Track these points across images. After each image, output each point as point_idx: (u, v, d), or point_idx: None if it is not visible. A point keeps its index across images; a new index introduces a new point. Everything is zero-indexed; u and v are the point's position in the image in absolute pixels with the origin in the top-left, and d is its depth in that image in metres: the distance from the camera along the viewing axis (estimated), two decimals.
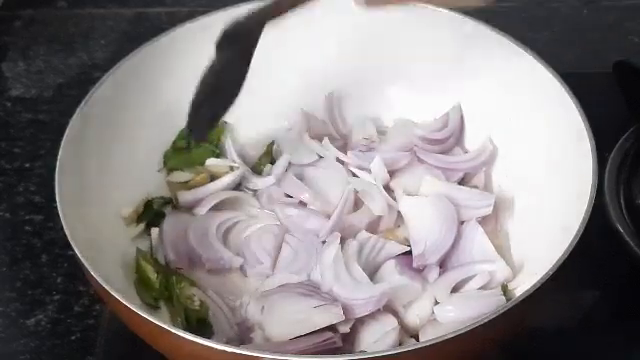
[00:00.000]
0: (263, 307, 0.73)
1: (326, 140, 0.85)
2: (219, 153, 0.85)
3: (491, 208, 0.79)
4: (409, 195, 0.80)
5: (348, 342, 0.72)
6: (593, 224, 0.69)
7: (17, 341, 0.78)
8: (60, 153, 0.74)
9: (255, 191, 0.83)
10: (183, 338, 0.63)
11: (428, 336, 0.71)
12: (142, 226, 0.80)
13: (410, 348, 0.64)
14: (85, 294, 0.81)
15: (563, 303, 0.77)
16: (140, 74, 0.82)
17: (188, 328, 0.72)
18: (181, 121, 0.82)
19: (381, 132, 0.87)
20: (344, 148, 0.85)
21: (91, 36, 1.06)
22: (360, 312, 0.71)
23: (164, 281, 0.75)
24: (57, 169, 0.73)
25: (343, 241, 0.76)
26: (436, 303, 0.74)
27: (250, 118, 0.87)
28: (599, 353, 0.76)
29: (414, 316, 0.73)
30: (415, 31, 0.85)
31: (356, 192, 0.80)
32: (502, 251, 0.77)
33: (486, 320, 0.63)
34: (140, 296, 0.75)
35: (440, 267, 0.76)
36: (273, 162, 0.85)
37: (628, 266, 0.78)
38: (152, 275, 0.76)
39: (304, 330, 0.70)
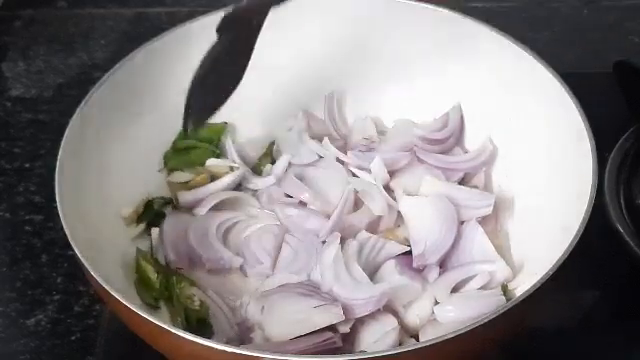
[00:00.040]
0: (263, 307, 0.73)
1: (326, 140, 0.85)
2: (219, 153, 0.85)
3: (491, 208, 0.79)
4: (409, 195, 0.80)
5: (348, 342, 0.72)
6: (593, 224, 0.69)
7: (17, 341, 0.78)
8: (60, 153, 0.74)
9: (255, 191, 0.83)
10: (183, 338, 0.63)
11: (428, 336, 0.71)
12: (142, 226, 0.80)
13: (410, 348, 0.64)
14: (85, 294, 0.81)
15: (563, 303, 0.77)
16: (140, 74, 0.82)
17: (188, 328, 0.72)
18: (181, 121, 0.82)
19: (381, 132, 0.87)
20: (344, 148, 0.85)
21: (91, 36, 1.06)
22: (360, 312, 0.71)
23: (164, 281, 0.76)
24: (57, 169, 0.73)
25: (343, 241, 0.76)
26: (436, 303, 0.74)
27: (250, 118, 0.87)
28: (599, 353, 0.75)
29: (414, 316, 0.73)
30: (415, 31, 0.85)
31: (356, 192, 0.80)
32: (502, 251, 0.77)
33: (486, 320, 0.63)
34: (140, 296, 0.75)
35: (440, 267, 0.76)
36: (273, 162, 0.85)
37: (628, 266, 0.78)
38: (152, 275, 0.76)
39: (304, 330, 0.70)
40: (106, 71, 0.81)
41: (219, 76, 0.71)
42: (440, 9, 0.84)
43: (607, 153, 0.81)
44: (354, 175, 0.83)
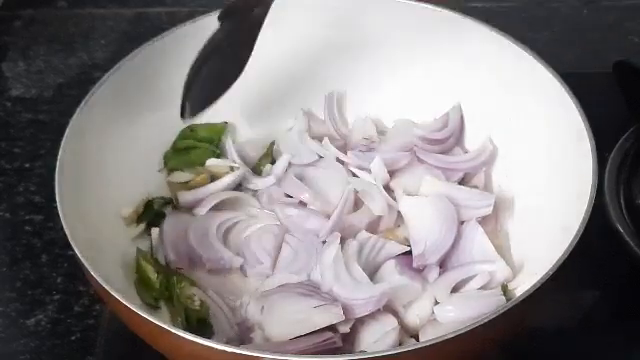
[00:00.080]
0: (263, 307, 0.73)
1: (326, 140, 0.85)
2: (219, 153, 0.85)
3: (491, 208, 0.79)
4: (409, 195, 0.80)
5: (348, 342, 0.72)
6: (593, 224, 0.69)
7: (17, 341, 0.78)
8: (60, 153, 0.74)
9: (255, 191, 0.83)
10: (183, 338, 0.63)
11: (428, 336, 0.71)
12: (142, 226, 0.80)
13: (410, 348, 0.64)
14: (85, 294, 0.81)
15: (563, 303, 0.77)
16: (140, 74, 0.82)
17: (188, 328, 0.72)
18: (181, 121, 0.82)
19: (381, 132, 0.87)
20: (344, 148, 0.85)
21: (91, 36, 1.06)
22: (360, 312, 0.71)
23: (164, 281, 0.75)
24: (57, 169, 0.73)
25: (343, 241, 0.76)
26: (436, 303, 0.74)
27: (250, 118, 0.87)
28: (599, 353, 0.75)
29: (414, 316, 0.73)
30: (415, 31, 0.85)
31: (356, 192, 0.80)
32: (502, 251, 0.77)
33: (486, 320, 0.63)
34: (140, 296, 0.75)
35: (440, 267, 0.76)
36: (273, 162, 0.85)
37: (628, 266, 0.78)
38: (152, 275, 0.76)
39: (304, 330, 0.70)
40: (106, 71, 0.81)
41: (219, 65, 0.71)
42: (440, 9, 0.84)
43: (607, 153, 0.81)
44: (354, 175, 0.83)
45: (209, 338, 0.69)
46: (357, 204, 0.80)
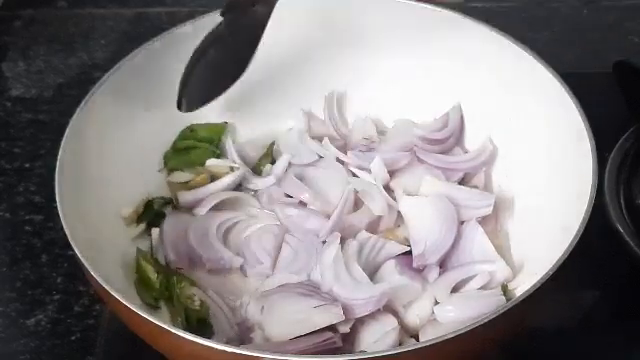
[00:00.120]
0: (263, 307, 0.73)
1: (326, 140, 0.85)
2: (219, 153, 0.85)
3: (491, 208, 0.79)
4: (409, 195, 0.80)
5: (348, 342, 0.72)
6: (593, 224, 0.69)
7: (17, 341, 0.78)
8: (60, 153, 0.74)
9: (255, 191, 0.83)
10: (183, 338, 0.63)
11: (428, 336, 0.71)
12: (142, 226, 0.80)
13: (410, 348, 0.64)
14: (85, 294, 0.81)
15: (563, 303, 0.77)
16: (140, 74, 0.82)
17: (188, 328, 0.72)
18: (181, 121, 0.83)
19: (381, 132, 0.87)
20: (344, 148, 0.85)
21: (91, 36, 1.06)
22: (360, 312, 0.71)
23: (164, 281, 0.75)
24: (57, 169, 0.73)
25: (343, 241, 0.76)
26: (436, 303, 0.74)
27: (250, 118, 0.87)
28: (599, 353, 0.76)
29: (414, 316, 0.73)
30: (415, 31, 0.85)
31: (356, 192, 0.80)
32: (502, 251, 0.77)
33: (486, 320, 0.63)
34: (140, 296, 0.75)
35: (440, 267, 0.76)
36: (273, 162, 0.85)
37: (628, 266, 0.78)
38: (152, 275, 0.76)
39: (304, 330, 0.70)
40: (106, 71, 0.81)
41: (218, 59, 0.70)
42: (440, 9, 0.84)
43: (607, 153, 0.81)
44: (354, 175, 0.83)
45: (209, 338, 0.69)
46: (357, 204, 0.80)
